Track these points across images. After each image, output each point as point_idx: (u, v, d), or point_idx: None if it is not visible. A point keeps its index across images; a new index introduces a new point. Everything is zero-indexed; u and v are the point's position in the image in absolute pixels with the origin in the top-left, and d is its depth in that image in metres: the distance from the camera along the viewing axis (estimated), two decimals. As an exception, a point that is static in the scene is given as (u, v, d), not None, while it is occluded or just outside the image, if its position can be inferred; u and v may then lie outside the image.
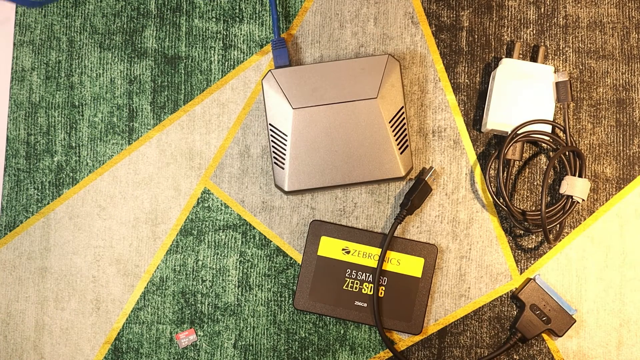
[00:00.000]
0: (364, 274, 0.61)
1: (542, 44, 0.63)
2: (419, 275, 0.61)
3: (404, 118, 0.61)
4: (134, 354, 0.63)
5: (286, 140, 0.60)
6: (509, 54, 0.63)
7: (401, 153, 0.61)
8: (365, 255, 0.61)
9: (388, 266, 0.61)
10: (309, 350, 0.63)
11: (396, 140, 0.60)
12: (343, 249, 0.61)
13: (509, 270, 0.63)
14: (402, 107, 0.61)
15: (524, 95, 0.60)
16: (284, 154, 0.60)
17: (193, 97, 0.64)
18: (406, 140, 0.61)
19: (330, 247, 0.61)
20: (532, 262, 0.63)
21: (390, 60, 0.61)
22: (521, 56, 0.64)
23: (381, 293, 0.61)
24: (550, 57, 0.64)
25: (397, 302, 0.61)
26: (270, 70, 0.61)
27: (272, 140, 0.61)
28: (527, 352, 0.62)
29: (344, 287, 0.61)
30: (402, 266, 0.61)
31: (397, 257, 0.61)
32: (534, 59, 0.63)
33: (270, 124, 0.61)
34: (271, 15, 0.63)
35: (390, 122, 0.60)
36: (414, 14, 0.64)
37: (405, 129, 0.61)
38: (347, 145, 0.60)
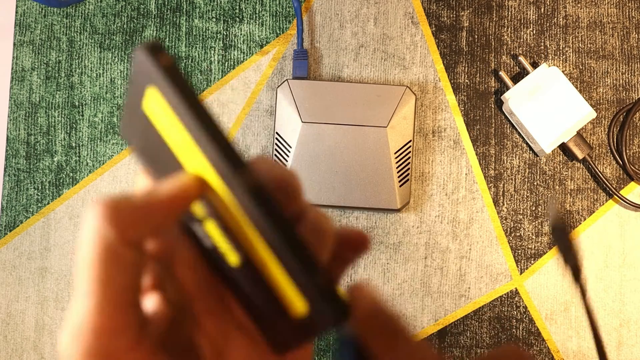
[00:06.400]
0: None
1: (519, 53, 0.63)
2: None
3: (410, 152, 0.60)
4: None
5: (289, 152, 0.60)
6: (503, 86, 0.63)
7: (400, 186, 0.60)
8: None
9: None
10: (309, 350, 0.63)
11: (398, 172, 0.60)
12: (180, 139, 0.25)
13: (509, 270, 0.63)
14: (410, 141, 0.60)
15: (548, 103, 0.60)
16: (285, 165, 0.60)
17: (193, 97, 0.64)
18: (408, 174, 0.60)
19: (161, 116, 0.25)
20: (532, 262, 0.63)
21: (407, 92, 0.61)
22: (510, 71, 0.64)
23: None
24: (551, 57, 0.64)
25: None
26: (287, 79, 0.61)
27: (275, 149, 0.61)
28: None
29: None
30: None
31: None
32: (525, 70, 0.63)
33: (277, 133, 0.61)
34: (297, 26, 0.63)
35: (395, 154, 0.60)
36: (414, 14, 0.64)
37: (409, 163, 0.60)
38: (349, 169, 0.60)
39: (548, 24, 0.64)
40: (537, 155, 0.63)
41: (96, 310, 0.22)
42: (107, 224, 0.22)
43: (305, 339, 0.24)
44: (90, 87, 0.64)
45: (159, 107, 0.24)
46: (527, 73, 0.62)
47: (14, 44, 0.65)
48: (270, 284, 0.24)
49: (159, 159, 0.26)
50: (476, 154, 0.63)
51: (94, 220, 0.22)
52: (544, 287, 0.62)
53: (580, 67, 0.63)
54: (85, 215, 0.22)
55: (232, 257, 0.25)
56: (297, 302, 0.23)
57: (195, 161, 0.24)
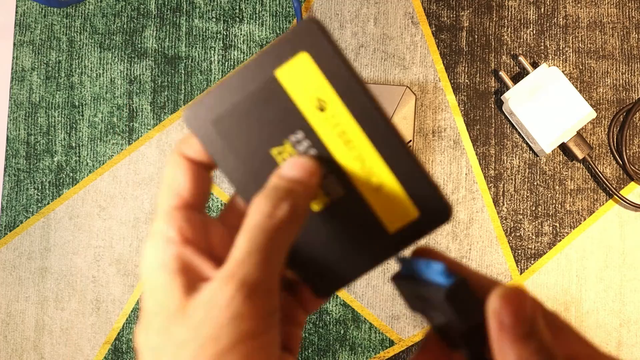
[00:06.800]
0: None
1: (520, 52, 0.63)
2: None
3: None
4: (134, 354, 0.63)
5: None
6: (503, 86, 0.63)
7: None
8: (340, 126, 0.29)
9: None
10: (309, 351, 0.63)
11: None
12: (319, 99, 0.29)
13: (509, 270, 0.63)
14: (410, 141, 0.61)
15: (548, 103, 0.60)
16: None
17: (193, 97, 0.64)
18: None
19: (301, 80, 0.29)
20: (532, 262, 0.63)
21: (407, 92, 0.61)
22: (510, 72, 0.64)
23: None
24: (551, 57, 0.64)
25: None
26: None
27: None
28: (527, 352, 0.62)
29: (270, 152, 0.29)
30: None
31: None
32: (525, 70, 0.63)
33: None
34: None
35: None
36: (414, 14, 0.64)
37: None
38: None
39: (548, 24, 0.64)
40: (537, 155, 0.63)
41: (272, 271, 0.25)
42: (305, 197, 0.27)
43: (409, 242, 0.29)
44: (90, 87, 0.64)
45: (305, 73, 0.28)
46: (527, 73, 0.62)
47: (14, 44, 0.65)
48: (370, 206, 0.29)
49: (266, 131, 0.29)
50: (476, 154, 0.63)
51: (304, 190, 0.27)
52: (544, 287, 0.62)
53: (580, 67, 0.63)
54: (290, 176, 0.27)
55: (316, 205, 0.29)
56: (406, 210, 0.28)
57: (338, 126, 0.28)
